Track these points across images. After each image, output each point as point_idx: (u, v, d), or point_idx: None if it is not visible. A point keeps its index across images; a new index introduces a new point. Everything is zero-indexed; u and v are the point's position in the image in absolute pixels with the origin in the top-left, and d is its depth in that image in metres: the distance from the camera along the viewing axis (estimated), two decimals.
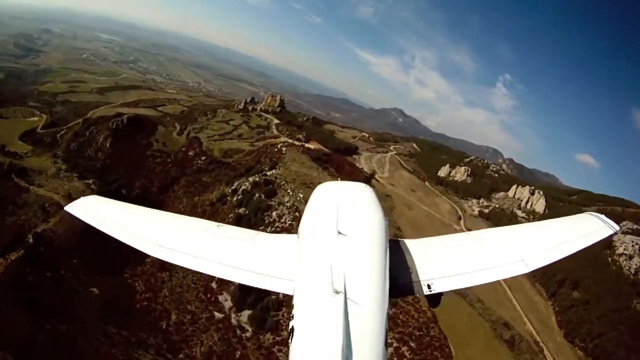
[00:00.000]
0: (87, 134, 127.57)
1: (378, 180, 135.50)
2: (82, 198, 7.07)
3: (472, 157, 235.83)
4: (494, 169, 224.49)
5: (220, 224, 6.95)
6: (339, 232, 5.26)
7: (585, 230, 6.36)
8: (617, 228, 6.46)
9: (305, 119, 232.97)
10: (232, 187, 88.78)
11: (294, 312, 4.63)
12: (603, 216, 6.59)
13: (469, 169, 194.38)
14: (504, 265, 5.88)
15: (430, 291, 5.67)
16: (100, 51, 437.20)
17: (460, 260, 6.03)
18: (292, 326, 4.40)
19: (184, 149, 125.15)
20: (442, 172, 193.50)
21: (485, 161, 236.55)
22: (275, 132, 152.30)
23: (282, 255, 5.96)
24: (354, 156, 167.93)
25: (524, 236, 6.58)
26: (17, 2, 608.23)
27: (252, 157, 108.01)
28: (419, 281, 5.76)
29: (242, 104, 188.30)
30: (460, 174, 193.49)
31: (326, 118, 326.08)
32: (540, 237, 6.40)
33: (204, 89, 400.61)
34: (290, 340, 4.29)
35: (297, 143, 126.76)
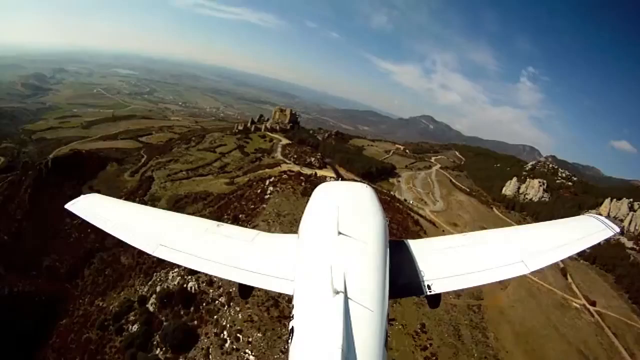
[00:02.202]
0: (17, 183, 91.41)
1: (435, 224, 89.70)
2: (82, 196, 7.08)
3: (533, 163, 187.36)
4: (563, 174, 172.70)
5: (221, 223, 6.71)
6: (339, 232, 5.13)
7: (586, 231, 6.26)
8: (618, 229, 6.36)
9: (326, 134, 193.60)
10: (148, 285, 47.06)
11: (293, 312, 4.52)
12: (604, 218, 6.52)
13: (544, 182, 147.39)
14: (504, 266, 5.78)
15: (431, 291, 5.53)
16: (114, 85, 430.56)
17: (460, 261, 5.90)
18: (292, 326, 4.30)
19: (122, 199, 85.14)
20: (508, 188, 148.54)
21: (551, 166, 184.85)
22: (279, 156, 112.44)
23: (282, 255, 5.79)
24: (390, 179, 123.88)
25: (524, 237, 6.47)
26: (37, 46, 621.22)
27: (213, 209, 66.95)
28: (419, 281, 5.63)
29: (247, 124, 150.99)
30: (533, 189, 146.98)
31: (354, 132, 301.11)
32: (540, 238, 6.31)
33: (222, 114, 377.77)
34: (290, 340, 4.20)
35: (305, 171, 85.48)
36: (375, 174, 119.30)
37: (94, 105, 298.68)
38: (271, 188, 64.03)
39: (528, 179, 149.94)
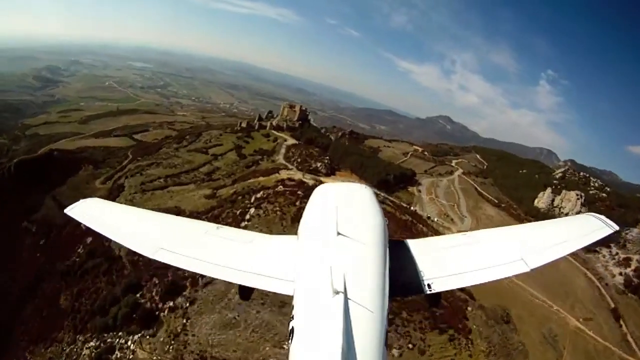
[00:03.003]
0: None
1: None
2: (81, 200, 6.95)
3: (562, 170, 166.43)
4: (596, 184, 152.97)
5: (220, 225, 6.73)
6: (339, 233, 5.14)
7: (585, 229, 6.31)
8: (617, 227, 6.38)
9: (340, 134, 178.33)
10: (66, 353, 34.62)
11: (293, 312, 4.53)
12: (603, 216, 6.53)
13: (582, 195, 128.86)
14: (504, 265, 5.78)
15: (431, 291, 5.55)
16: (128, 78, 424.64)
17: (460, 259, 5.92)
18: (292, 327, 4.31)
19: None
20: (542, 200, 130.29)
21: (582, 174, 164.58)
22: (280, 159, 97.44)
23: (282, 256, 5.82)
24: (409, 188, 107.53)
25: (523, 236, 6.49)
26: (52, 38, 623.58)
27: None
28: (419, 281, 5.65)
29: (251, 121, 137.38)
30: (570, 202, 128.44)
31: (371, 132, 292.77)
32: (540, 236, 6.31)
33: (235, 109, 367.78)
34: (290, 341, 4.21)
35: (307, 179, 70.68)
36: (393, 183, 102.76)
37: (103, 98, 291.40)
38: (253, 210, 49.21)
39: (564, 191, 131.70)
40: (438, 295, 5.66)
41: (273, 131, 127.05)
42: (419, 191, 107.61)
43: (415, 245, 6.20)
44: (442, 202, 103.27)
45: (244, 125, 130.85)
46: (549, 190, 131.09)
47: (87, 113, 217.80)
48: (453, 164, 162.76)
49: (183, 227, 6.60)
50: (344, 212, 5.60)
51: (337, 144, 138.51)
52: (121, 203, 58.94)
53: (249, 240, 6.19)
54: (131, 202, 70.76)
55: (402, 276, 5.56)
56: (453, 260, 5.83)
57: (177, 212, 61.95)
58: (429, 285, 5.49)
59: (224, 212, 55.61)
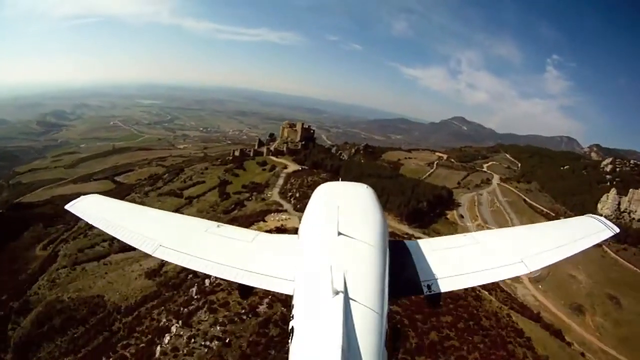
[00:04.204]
0: None
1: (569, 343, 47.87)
2: (82, 196, 6.91)
3: (608, 161, 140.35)
4: None
5: (221, 224, 6.60)
6: (340, 233, 5.13)
7: (586, 232, 6.27)
8: (617, 230, 6.31)
9: (354, 150, 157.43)
10: None
11: (293, 312, 4.50)
12: (603, 218, 6.51)
13: None
14: (503, 267, 5.76)
15: (430, 292, 5.55)
16: (134, 116, 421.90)
17: (460, 261, 5.91)
18: (292, 326, 4.29)
19: None
20: (606, 205, 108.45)
21: (632, 161, 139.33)
22: (274, 195, 76.08)
23: (283, 256, 5.78)
24: (447, 214, 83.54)
25: (524, 238, 6.50)
26: (61, 84, 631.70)
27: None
28: (419, 282, 5.63)
29: (246, 149, 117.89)
30: None
31: (387, 143, 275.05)
32: (540, 238, 6.27)
33: (244, 136, 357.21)
34: (290, 341, 4.18)
35: None
36: (427, 210, 78.74)
37: (106, 138, 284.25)
38: (201, 314, 24.75)
39: (631, 190, 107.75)
40: (438, 296, 5.56)
41: (271, 157, 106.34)
42: (461, 216, 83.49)
43: (415, 246, 6.16)
44: (493, 229, 79.54)
45: (237, 153, 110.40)
46: (613, 191, 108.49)
47: (81, 155, 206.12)
48: (485, 169, 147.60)
49: (183, 225, 6.51)
50: (344, 212, 5.57)
51: (351, 164, 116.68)
52: (35, 291, 39.42)
53: (250, 239, 6.07)
54: (51, 287, 49.37)
55: (402, 276, 5.54)
56: (453, 262, 5.78)
57: (96, 307, 40.21)
58: (428, 286, 5.46)
59: (152, 311, 32.58)
